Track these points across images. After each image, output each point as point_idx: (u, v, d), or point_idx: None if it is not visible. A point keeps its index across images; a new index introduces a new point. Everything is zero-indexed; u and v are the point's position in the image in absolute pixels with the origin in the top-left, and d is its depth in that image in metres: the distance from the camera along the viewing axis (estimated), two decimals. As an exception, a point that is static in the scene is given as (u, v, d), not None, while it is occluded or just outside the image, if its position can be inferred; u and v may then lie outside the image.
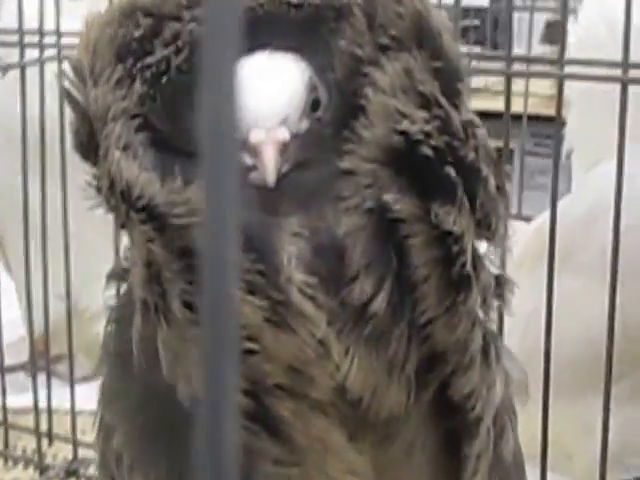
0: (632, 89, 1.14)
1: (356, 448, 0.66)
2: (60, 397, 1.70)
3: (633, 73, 1.14)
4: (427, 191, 0.65)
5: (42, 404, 1.69)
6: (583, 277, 1.35)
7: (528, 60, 1.36)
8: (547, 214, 1.26)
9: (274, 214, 0.66)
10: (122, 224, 0.67)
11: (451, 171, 0.65)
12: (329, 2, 0.72)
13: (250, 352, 0.62)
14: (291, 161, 0.67)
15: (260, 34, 0.70)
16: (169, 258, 0.63)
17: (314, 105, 0.70)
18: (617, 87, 1.15)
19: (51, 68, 1.56)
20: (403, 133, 0.66)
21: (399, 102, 0.66)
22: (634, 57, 1.14)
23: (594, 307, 1.26)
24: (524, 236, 1.46)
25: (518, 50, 2.32)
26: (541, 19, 3.16)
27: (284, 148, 0.67)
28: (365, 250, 0.64)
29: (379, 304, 0.63)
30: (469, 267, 0.65)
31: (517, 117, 2.78)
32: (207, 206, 0.29)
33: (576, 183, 1.50)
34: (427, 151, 0.65)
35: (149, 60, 0.71)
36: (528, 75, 1.40)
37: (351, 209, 0.65)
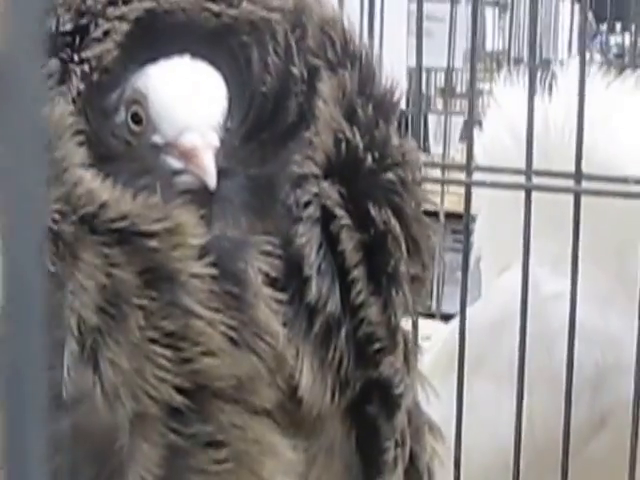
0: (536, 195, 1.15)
1: (290, 445, 0.67)
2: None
3: (537, 180, 1.16)
4: (361, 197, 0.68)
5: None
6: (493, 384, 1.34)
7: (443, 166, 1.39)
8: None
9: (207, 217, 0.66)
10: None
11: (389, 179, 0.68)
12: (245, 15, 0.73)
13: (203, 354, 0.63)
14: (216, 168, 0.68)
15: (175, 39, 0.71)
16: (134, 280, 0.63)
17: (227, 115, 0.71)
18: (522, 193, 1.16)
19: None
20: (346, 142, 0.69)
21: (340, 115, 0.69)
22: (537, 165, 1.15)
23: (503, 415, 1.25)
24: (440, 338, 1.45)
25: (436, 149, 2.34)
26: (459, 120, 3.22)
27: (216, 153, 0.67)
28: (317, 255, 0.66)
29: (335, 302, 0.66)
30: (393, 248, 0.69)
31: (434, 214, 2.78)
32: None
33: (485, 289, 1.50)
34: (369, 161, 0.68)
35: (87, 54, 0.70)
36: (442, 181, 1.41)
37: (305, 218, 0.67)
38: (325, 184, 0.68)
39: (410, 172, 0.71)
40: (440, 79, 3.24)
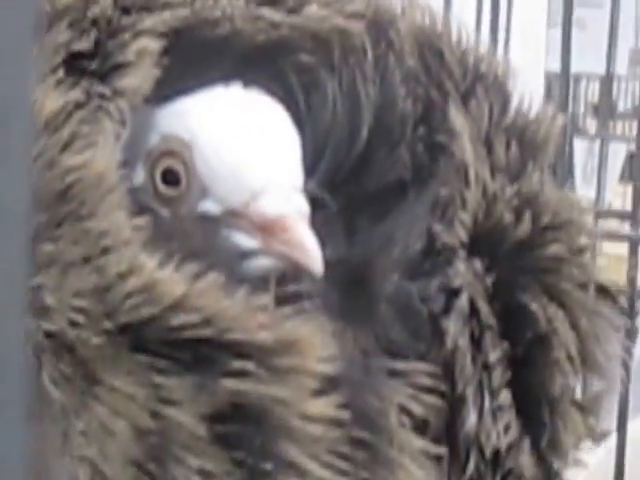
0: None
1: None
2: None
3: None
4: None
5: None
6: None
7: (597, 215, 1.17)
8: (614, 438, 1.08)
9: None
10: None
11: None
12: (310, 25, 0.66)
13: None
14: None
15: (209, 60, 0.65)
16: (197, 426, 0.52)
17: None
18: None
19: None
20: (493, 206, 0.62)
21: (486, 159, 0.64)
22: None
23: None
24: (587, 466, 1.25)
25: (585, 189, 2.02)
26: (621, 149, 2.75)
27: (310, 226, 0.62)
28: (473, 371, 0.60)
29: (491, 445, 0.58)
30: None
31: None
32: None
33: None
34: (519, 226, 0.60)
35: (123, 84, 0.64)
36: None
37: (455, 313, 0.59)
38: (477, 262, 0.60)
39: (576, 238, 0.62)
40: (594, 90, 2.80)
